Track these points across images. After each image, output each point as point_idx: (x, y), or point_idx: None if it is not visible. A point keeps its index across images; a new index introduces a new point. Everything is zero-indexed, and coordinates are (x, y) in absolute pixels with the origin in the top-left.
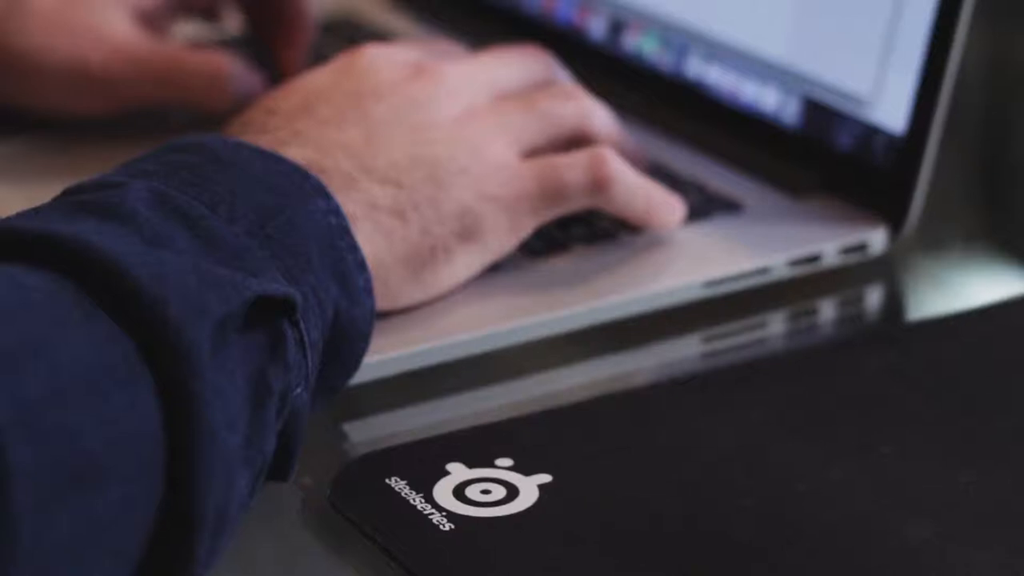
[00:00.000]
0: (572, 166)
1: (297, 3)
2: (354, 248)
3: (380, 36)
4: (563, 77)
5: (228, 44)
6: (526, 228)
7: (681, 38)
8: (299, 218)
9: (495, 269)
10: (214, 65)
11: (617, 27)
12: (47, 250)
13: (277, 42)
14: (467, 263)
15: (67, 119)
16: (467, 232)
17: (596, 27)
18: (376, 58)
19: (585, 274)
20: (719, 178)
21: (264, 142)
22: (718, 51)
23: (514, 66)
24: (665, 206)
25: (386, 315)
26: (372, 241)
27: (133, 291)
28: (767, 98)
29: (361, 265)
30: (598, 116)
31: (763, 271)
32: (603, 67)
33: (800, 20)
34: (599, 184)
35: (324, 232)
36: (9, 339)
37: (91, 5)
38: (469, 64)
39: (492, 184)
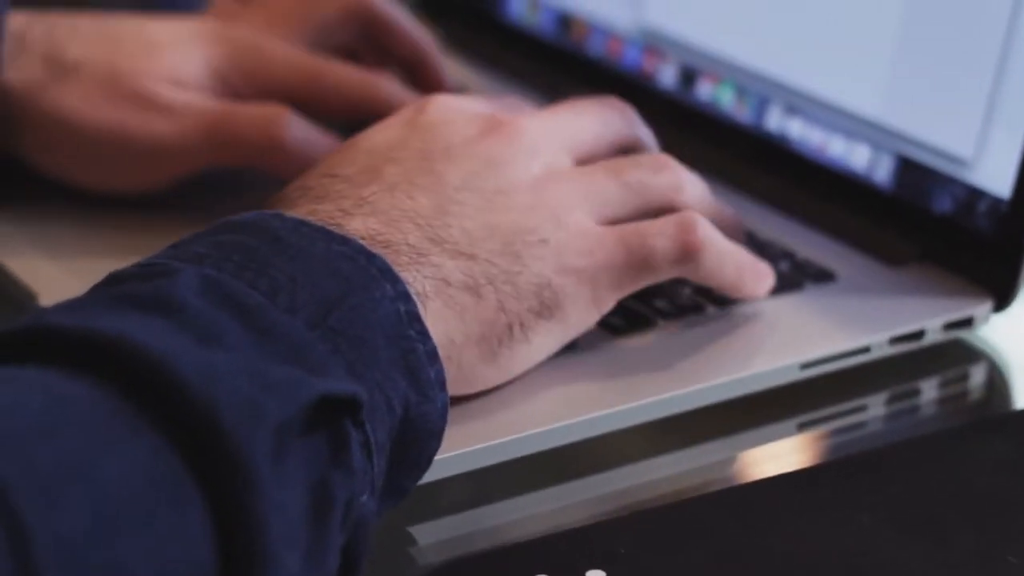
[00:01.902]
0: (659, 233)
1: (404, 33)
2: (425, 337)
3: None
4: (644, 133)
5: None
6: (609, 302)
7: (761, 89)
8: (365, 306)
9: (572, 349)
10: (270, 116)
11: (689, 75)
12: (88, 350)
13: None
14: (545, 341)
15: (109, 196)
16: (546, 308)
17: (666, 75)
18: (447, 110)
19: (671, 355)
20: (807, 243)
21: (326, 212)
22: (802, 104)
23: (594, 120)
24: (756, 274)
25: (457, 405)
26: (444, 320)
27: (181, 395)
28: (857, 156)
29: (432, 355)
30: (691, 189)
31: (864, 350)
32: (674, 117)
33: (895, 72)
34: (688, 251)
35: (392, 321)
36: (47, 465)
37: (141, 79)
38: (546, 118)
39: (573, 254)
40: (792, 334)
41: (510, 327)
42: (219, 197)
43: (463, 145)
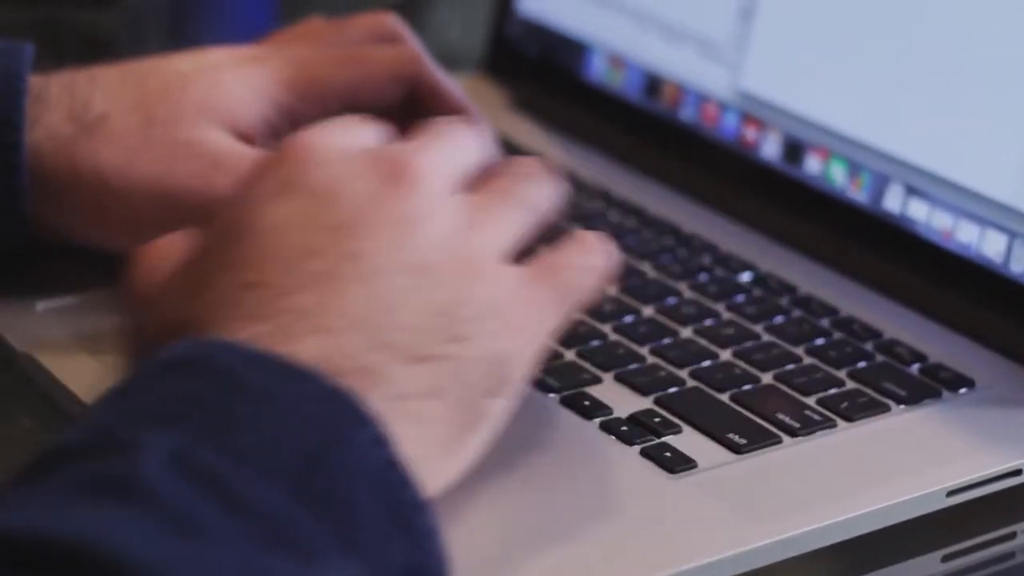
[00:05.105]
0: (581, 268)
1: (450, 97)
2: (407, 482)
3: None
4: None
5: None
6: (545, 348)
7: (877, 165)
8: (345, 459)
9: (693, 469)
10: None
11: (795, 148)
12: (48, 562)
13: None
14: (502, 415)
15: None
16: (501, 384)
17: (769, 147)
18: (325, 161)
19: (802, 480)
20: (937, 342)
21: (268, 336)
22: (925, 184)
23: (470, 147)
24: None
25: (573, 546)
26: (407, 436)
27: None
28: (990, 244)
29: (420, 502)
30: (551, 187)
31: (1015, 473)
32: (777, 194)
33: None
34: (606, 279)
35: (375, 471)
36: None
37: (178, 121)
38: (433, 152)
39: (515, 318)
40: (934, 454)
41: (472, 419)
42: None
43: (370, 208)
